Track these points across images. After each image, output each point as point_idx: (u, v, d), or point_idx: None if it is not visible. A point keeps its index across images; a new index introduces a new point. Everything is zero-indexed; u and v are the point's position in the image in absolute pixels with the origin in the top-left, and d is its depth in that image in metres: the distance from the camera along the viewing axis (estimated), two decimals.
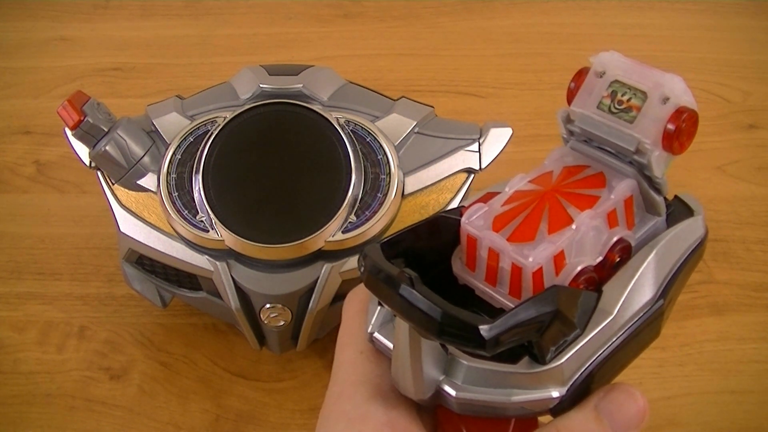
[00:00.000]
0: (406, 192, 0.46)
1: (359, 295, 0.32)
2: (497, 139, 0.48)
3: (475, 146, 0.47)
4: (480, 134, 0.48)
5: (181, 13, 0.88)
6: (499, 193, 0.30)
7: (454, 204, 0.47)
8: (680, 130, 0.28)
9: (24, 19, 0.87)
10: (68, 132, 0.46)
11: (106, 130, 0.45)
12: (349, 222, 0.44)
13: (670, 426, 0.48)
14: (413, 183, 0.46)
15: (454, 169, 0.47)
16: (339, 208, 0.44)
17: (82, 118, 0.44)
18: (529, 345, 0.26)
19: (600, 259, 0.28)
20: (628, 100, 0.29)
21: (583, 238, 0.28)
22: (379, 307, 0.30)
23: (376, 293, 0.26)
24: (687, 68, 0.78)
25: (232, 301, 0.45)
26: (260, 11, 0.88)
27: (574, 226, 0.28)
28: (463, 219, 0.29)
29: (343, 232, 0.44)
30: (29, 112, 0.73)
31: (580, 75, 0.31)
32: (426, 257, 0.30)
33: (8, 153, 0.69)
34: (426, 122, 0.48)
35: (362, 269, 0.27)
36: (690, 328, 0.53)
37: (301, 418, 0.49)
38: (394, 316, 0.27)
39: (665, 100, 0.28)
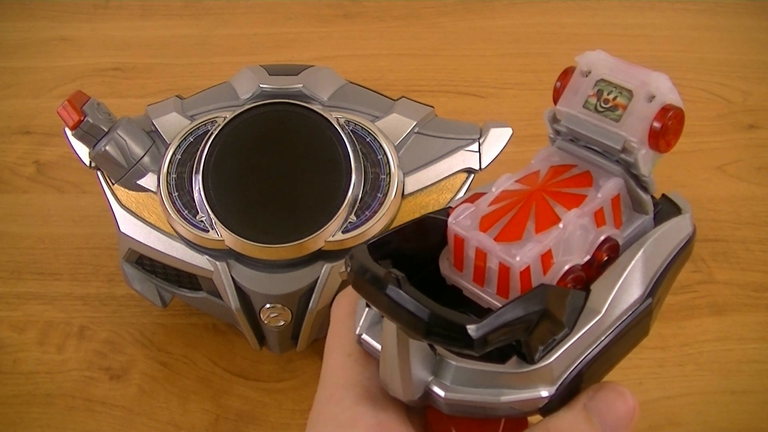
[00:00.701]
0: (406, 192, 0.46)
1: (347, 297, 0.32)
2: (497, 139, 0.48)
3: (475, 146, 0.47)
4: (480, 134, 0.48)
5: (181, 13, 0.88)
6: (486, 193, 0.30)
7: None
8: (666, 128, 0.28)
9: (24, 19, 0.87)
10: (68, 132, 0.46)
11: (106, 130, 0.45)
12: (349, 222, 0.44)
13: (670, 426, 0.48)
14: (413, 183, 0.46)
15: (454, 169, 0.47)
16: (339, 208, 0.44)
17: (82, 118, 0.44)
18: (517, 345, 0.26)
19: (587, 257, 0.28)
20: (614, 98, 0.29)
21: (571, 237, 0.28)
22: (367, 309, 0.30)
23: (363, 294, 0.26)
24: (687, 68, 0.78)
25: (232, 301, 0.45)
26: (260, 11, 0.88)
27: (561, 225, 0.28)
28: (450, 219, 0.29)
29: (343, 232, 0.44)
30: (29, 112, 0.73)
31: (566, 74, 0.31)
32: (414, 258, 0.30)
33: (8, 153, 0.69)
34: (426, 122, 0.48)
35: (349, 270, 0.27)
36: (690, 328, 0.53)
37: (301, 418, 0.49)
38: (382, 318, 0.27)
39: (651, 98, 0.28)
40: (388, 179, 0.45)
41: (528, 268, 0.27)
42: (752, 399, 0.49)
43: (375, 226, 0.44)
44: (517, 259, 0.27)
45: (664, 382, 0.50)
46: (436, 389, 0.27)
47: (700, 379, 0.50)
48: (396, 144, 0.46)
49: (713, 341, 0.53)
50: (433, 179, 0.47)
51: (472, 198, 0.30)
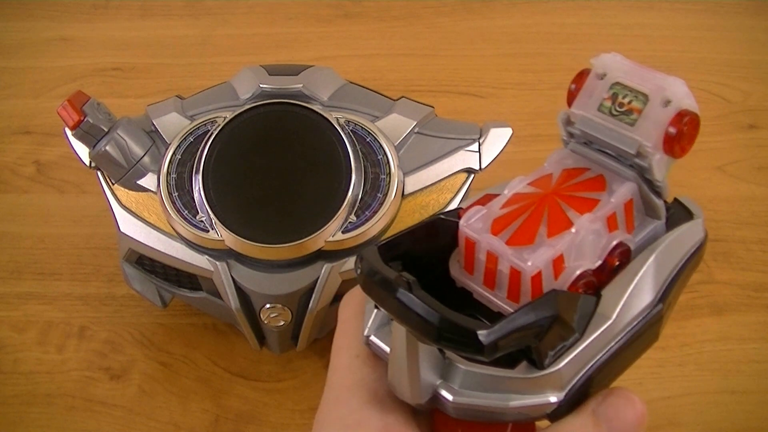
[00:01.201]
0: (406, 192, 0.46)
1: (355, 297, 0.31)
2: (497, 139, 0.48)
3: (475, 146, 0.47)
4: (480, 134, 0.48)
5: (181, 13, 0.88)
6: (497, 195, 0.30)
7: (454, 204, 0.47)
8: (682, 133, 0.28)
9: (24, 19, 0.87)
10: (68, 132, 0.46)
11: (106, 130, 0.45)
12: (349, 222, 0.44)
13: (670, 426, 0.48)
14: (413, 183, 0.46)
15: (454, 169, 0.47)
16: (339, 208, 0.44)
17: (82, 118, 0.44)
18: (527, 349, 0.26)
19: (599, 263, 0.28)
20: (629, 102, 0.29)
21: (583, 242, 0.28)
22: (375, 310, 0.29)
23: (373, 296, 0.26)
24: (687, 68, 0.78)
25: (232, 301, 0.45)
26: (260, 11, 0.88)
27: (573, 230, 0.27)
28: (461, 222, 0.29)
29: (343, 232, 0.44)
30: (29, 112, 0.73)
31: (581, 77, 0.30)
32: (423, 260, 0.30)
33: (8, 153, 0.69)
34: (426, 122, 0.48)
35: (359, 271, 0.26)
36: (690, 328, 0.53)
37: (301, 418, 0.49)
38: (391, 320, 0.27)
39: (667, 102, 0.28)
40: (388, 179, 0.45)
41: (539, 273, 0.27)
42: (752, 399, 0.49)
43: (375, 226, 0.44)
44: (529, 263, 0.26)
45: (664, 382, 0.50)
46: (444, 393, 0.26)
47: (700, 379, 0.50)
48: (396, 144, 0.46)
49: (713, 341, 0.53)
50: (433, 179, 0.47)
51: (484, 200, 0.30)
